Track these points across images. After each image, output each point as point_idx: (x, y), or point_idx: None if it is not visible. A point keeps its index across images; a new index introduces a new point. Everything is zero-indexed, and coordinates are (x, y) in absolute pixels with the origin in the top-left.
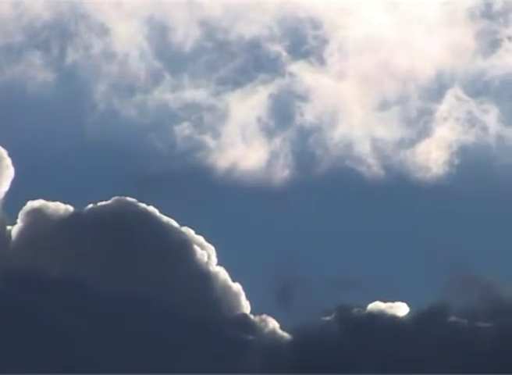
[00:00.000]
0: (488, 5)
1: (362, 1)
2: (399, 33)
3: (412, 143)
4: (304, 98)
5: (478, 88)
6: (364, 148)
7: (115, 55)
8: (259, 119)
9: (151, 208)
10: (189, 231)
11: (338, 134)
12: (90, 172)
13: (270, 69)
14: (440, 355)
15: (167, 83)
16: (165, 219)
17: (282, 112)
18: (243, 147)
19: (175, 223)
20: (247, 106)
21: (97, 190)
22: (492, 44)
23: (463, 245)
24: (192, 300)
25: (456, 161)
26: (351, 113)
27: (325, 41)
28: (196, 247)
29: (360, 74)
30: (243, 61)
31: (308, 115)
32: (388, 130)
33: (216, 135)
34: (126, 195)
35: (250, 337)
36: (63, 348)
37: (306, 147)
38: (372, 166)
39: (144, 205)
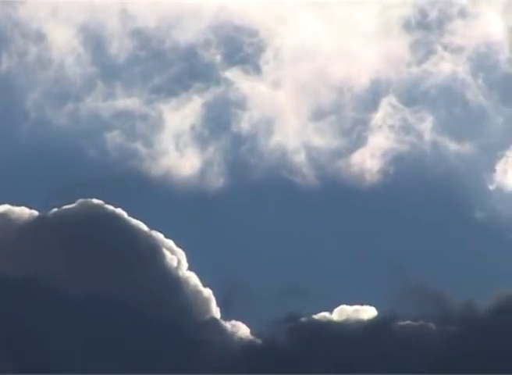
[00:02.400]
0: (423, 15)
1: (298, 10)
2: (334, 42)
3: (347, 152)
4: (239, 106)
5: (413, 97)
6: (299, 157)
7: (50, 62)
8: (193, 128)
9: (119, 211)
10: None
11: (273, 143)
12: (22, 180)
13: (205, 77)
14: (386, 359)
15: (99, 91)
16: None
17: (216, 121)
18: (176, 155)
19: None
20: (181, 115)
21: (31, 196)
22: (426, 54)
23: (400, 251)
24: (161, 303)
25: (391, 169)
26: (287, 122)
27: (260, 49)
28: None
29: (295, 82)
30: (177, 69)
31: (243, 123)
32: (323, 140)
33: (149, 143)
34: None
35: (216, 339)
36: (26, 348)
37: (240, 155)
38: (307, 176)
39: (111, 207)
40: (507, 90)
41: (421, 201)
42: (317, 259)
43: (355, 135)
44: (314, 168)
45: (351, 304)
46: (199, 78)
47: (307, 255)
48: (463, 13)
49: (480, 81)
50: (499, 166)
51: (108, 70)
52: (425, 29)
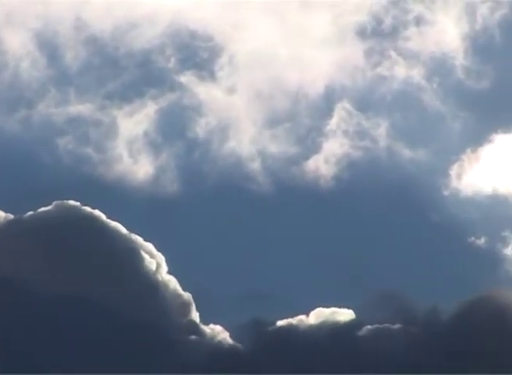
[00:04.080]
0: (378, 22)
1: (253, 16)
2: (289, 49)
3: (302, 159)
4: (194, 111)
5: (368, 103)
6: (253, 164)
7: (5, 67)
8: (146, 134)
9: (97, 212)
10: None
11: (227, 150)
12: None
13: (160, 83)
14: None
15: (53, 97)
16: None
17: (170, 127)
18: (130, 161)
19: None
20: (135, 121)
21: None
22: (381, 59)
23: (356, 257)
24: (137, 304)
25: (346, 175)
26: (242, 128)
27: (215, 54)
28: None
29: (251, 89)
30: (132, 76)
31: (198, 129)
32: (278, 147)
33: (102, 149)
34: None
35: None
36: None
37: (193, 162)
38: (262, 182)
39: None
40: (462, 95)
41: (377, 206)
42: (274, 265)
43: (310, 142)
44: (268, 175)
45: (303, 312)
46: (154, 84)
47: (263, 261)
48: (418, 20)
49: (435, 87)
50: (454, 171)
51: (61, 76)
52: (380, 35)
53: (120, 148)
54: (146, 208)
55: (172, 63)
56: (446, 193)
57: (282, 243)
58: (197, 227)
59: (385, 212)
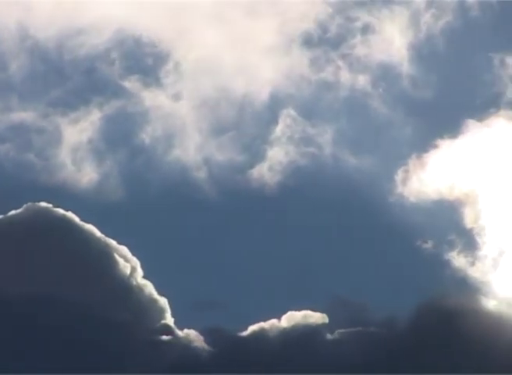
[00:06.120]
0: (323, 30)
1: (199, 23)
2: (235, 57)
3: (247, 167)
4: (139, 119)
5: (313, 110)
6: (198, 173)
7: None
8: (90, 141)
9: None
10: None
11: (173, 157)
12: None
13: (105, 90)
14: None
15: None
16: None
17: (115, 134)
18: (73, 169)
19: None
20: (79, 128)
21: None
22: (326, 67)
23: (303, 264)
24: (109, 305)
25: (291, 182)
26: (187, 137)
27: (161, 61)
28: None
29: (196, 96)
30: (77, 83)
31: (143, 136)
32: (223, 155)
33: (45, 157)
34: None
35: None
36: None
37: (138, 170)
38: (207, 191)
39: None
40: (408, 102)
41: (323, 213)
42: (223, 274)
43: (255, 149)
44: (213, 183)
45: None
46: (99, 91)
47: (210, 269)
48: (365, 29)
49: (381, 94)
50: (399, 177)
51: (4, 84)
52: (326, 43)
53: (64, 155)
54: (91, 215)
55: (117, 70)
56: (391, 199)
57: (227, 251)
58: (142, 235)
59: (331, 218)
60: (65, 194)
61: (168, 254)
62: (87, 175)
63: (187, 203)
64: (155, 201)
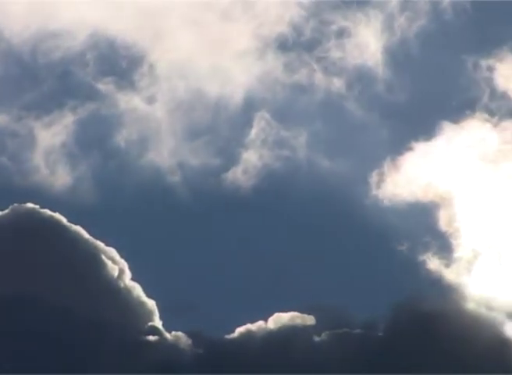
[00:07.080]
0: (298, 33)
1: (173, 26)
2: (209, 60)
3: (221, 171)
4: (112, 122)
5: (288, 113)
6: (173, 177)
7: None
8: (64, 145)
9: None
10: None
11: (147, 161)
12: None
13: (78, 93)
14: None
15: None
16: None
17: (89, 137)
18: (46, 172)
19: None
20: (53, 132)
21: None
22: (301, 70)
23: (280, 268)
24: (96, 307)
25: (265, 186)
26: (161, 140)
27: (135, 64)
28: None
29: (171, 99)
30: (50, 87)
31: (117, 140)
32: (197, 159)
33: (18, 160)
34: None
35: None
36: None
37: (112, 173)
38: (181, 195)
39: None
40: (382, 105)
41: (297, 217)
42: (203, 278)
43: (229, 153)
44: (188, 187)
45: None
46: (73, 95)
47: (186, 273)
48: (340, 32)
49: (355, 97)
50: (374, 179)
51: None
52: (300, 46)
53: (37, 159)
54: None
55: (91, 73)
56: (366, 202)
57: (203, 255)
58: (118, 239)
59: (306, 222)
60: (38, 198)
61: (153, 256)
62: (60, 178)
63: (161, 207)
64: (129, 205)
